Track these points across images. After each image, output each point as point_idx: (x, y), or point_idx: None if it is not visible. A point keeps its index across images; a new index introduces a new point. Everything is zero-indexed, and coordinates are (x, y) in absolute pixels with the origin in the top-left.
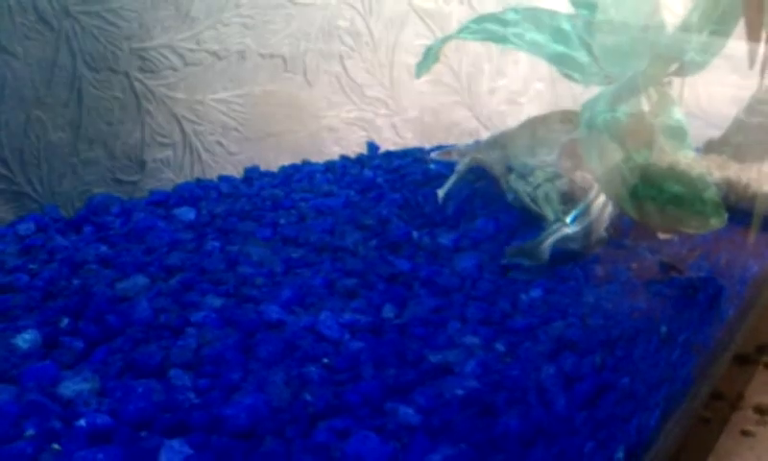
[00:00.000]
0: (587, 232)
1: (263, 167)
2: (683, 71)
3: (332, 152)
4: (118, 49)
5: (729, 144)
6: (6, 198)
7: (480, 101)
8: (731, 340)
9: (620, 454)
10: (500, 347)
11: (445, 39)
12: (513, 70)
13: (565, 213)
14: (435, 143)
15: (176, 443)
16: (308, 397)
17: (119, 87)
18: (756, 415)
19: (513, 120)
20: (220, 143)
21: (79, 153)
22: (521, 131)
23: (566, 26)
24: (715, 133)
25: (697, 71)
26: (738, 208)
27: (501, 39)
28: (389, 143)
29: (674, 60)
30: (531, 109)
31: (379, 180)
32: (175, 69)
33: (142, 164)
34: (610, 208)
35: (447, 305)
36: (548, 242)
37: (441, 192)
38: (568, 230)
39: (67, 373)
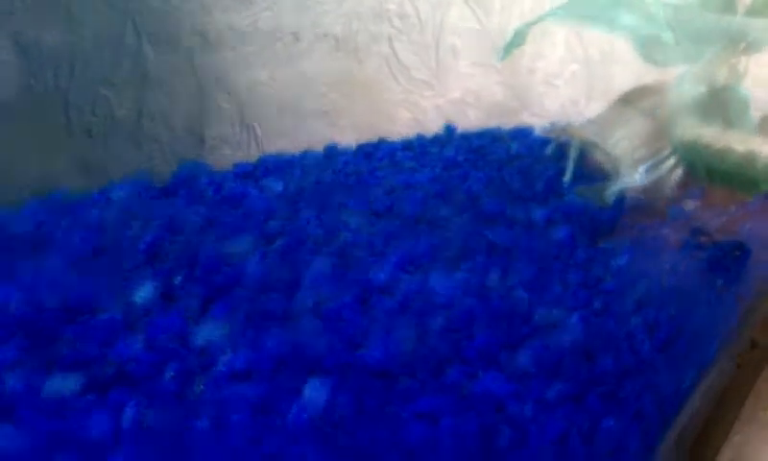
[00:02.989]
0: (653, 187)
1: (319, 145)
2: (747, 51)
3: (381, 132)
4: (180, 28)
5: None
6: (72, 168)
7: (520, 82)
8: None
9: (687, 382)
10: (597, 304)
11: (533, 22)
12: (551, 52)
13: (639, 162)
14: (478, 125)
15: (317, 381)
16: (432, 345)
17: (180, 65)
18: None
19: (550, 101)
20: (275, 121)
21: (142, 128)
22: (615, 107)
23: (656, 10)
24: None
25: (758, 50)
26: None
27: (593, 22)
28: (433, 125)
29: (743, 40)
30: (566, 92)
31: (460, 158)
32: (233, 48)
33: (201, 140)
34: (679, 172)
35: (547, 271)
36: (615, 187)
37: (567, 176)
38: (636, 181)
39: (193, 323)
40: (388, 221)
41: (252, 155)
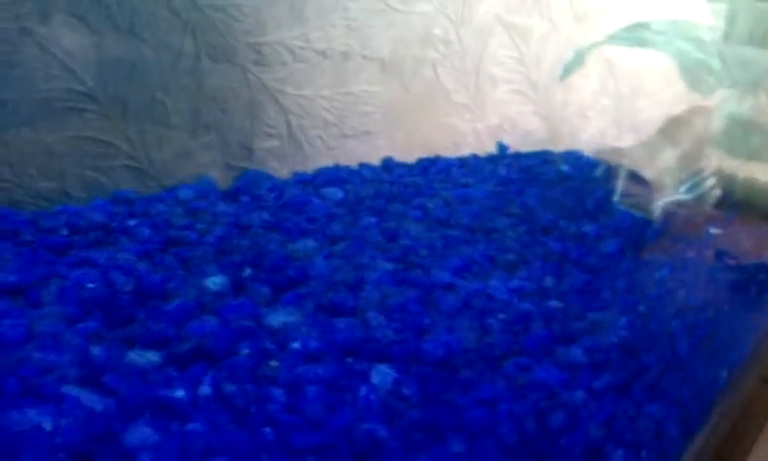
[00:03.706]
0: (696, 202)
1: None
2: None
3: (420, 152)
4: (236, 42)
5: None
6: (129, 174)
7: (554, 112)
8: None
9: (724, 373)
10: (641, 309)
11: (593, 46)
12: (583, 84)
13: (681, 183)
14: (512, 150)
15: (383, 367)
16: (491, 340)
17: (235, 78)
18: None
19: (581, 132)
20: (320, 137)
21: (195, 137)
22: (659, 134)
23: (706, 36)
24: None
25: None
26: None
27: (651, 45)
28: (471, 148)
29: None
30: (598, 124)
31: (514, 176)
32: (285, 64)
33: (250, 152)
34: (717, 192)
35: (597, 280)
36: (660, 201)
37: (617, 194)
38: (680, 196)
39: (265, 309)
40: (446, 230)
41: (297, 168)
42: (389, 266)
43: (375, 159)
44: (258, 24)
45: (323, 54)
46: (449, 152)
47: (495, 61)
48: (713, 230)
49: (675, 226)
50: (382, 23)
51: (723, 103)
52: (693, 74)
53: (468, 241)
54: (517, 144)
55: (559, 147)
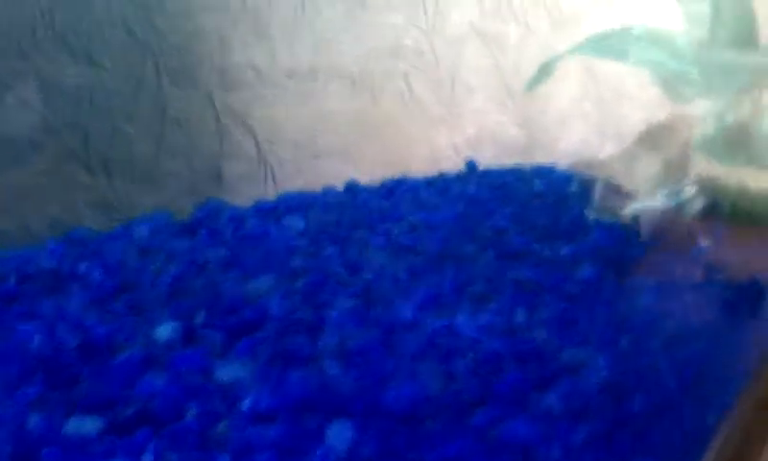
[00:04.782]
0: (676, 211)
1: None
2: None
3: (397, 169)
4: (200, 65)
5: None
6: (91, 205)
7: (534, 120)
8: None
9: (712, 421)
10: (623, 343)
11: (561, 57)
12: (563, 91)
13: (656, 191)
14: (493, 162)
15: (341, 424)
16: (458, 386)
17: (200, 102)
18: None
19: (563, 140)
20: (291, 159)
21: (161, 165)
22: (638, 143)
23: (682, 44)
24: None
25: None
26: None
27: (622, 56)
28: (449, 162)
29: (766, 74)
30: (580, 129)
31: (485, 195)
32: (251, 85)
33: (219, 177)
34: (699, 202)
35: (575, 309)
36: (634, 206)
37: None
38: (656, 204)
39: (217, 361)
40: (412, 258)
41: (269, 192)
42: (350, 303)
43: (350, 178)
44: (222, 45)
45: (290, 73)
46: (427, 165)
47: (471, 71)
48: (702, 244)
49: (660, 240)
50: (350, 37)
51: (704, 111)
52: (669, 84)
53: (434, 270)
54: (497, 155)
55: (540, 156)
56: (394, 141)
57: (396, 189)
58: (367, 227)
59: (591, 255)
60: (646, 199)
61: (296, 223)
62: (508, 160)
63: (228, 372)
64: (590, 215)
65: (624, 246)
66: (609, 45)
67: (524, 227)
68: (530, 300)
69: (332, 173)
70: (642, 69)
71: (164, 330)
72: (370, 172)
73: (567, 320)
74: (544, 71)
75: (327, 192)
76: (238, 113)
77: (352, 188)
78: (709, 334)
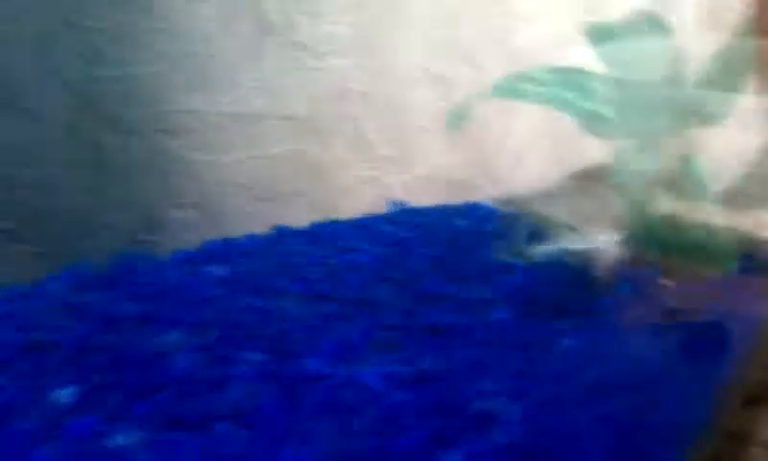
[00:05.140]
0: (586, 254)
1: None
2: (702, 123)
3: (345, 210)
4: (139, 111)
5: (741, 194)
6: (26, 259)
7: (487, 159)
8: (740, 380)
9: None
10: (540, 394)
11: (477, 97)
12: (518, 128)
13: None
14: (445, 201)
15: None
16: (354, 448)
17: (140, 148)
18: (765, 451)
19: (519, 177)
20: (236, 203)
21: (99, 214)
22: (569, 180)
23: (595, 84)
24: (721, 185)
25: (715, 123)
26: (746, 255)
27: (533, 98)
28: (400, 201)
29: (695, 113)
30: (536, 167)
31: (407, 235)
32: (193, 131)
33: (161, 224)
34: (614, 249)
35: (487, 355)
36: (544, 248)
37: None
38: (565, 244)
39: (111, 426)
40: (327, 305)
41: (213, 236)
42: (257, 357)
43: (296, 222)
44: (162, 91)
45: (234, 117)
46: (377, 207)
47: (421, 112)
48: (629, 287)
49: (582, 286)
50: (295, 81)
51: (621, 152)
52: (589, 124)
53: (347, 317)
54: (453, 194)
55: (495, 194)
56: (343, 183)
57: (323, 232)
58: (287, 273)
59: (506, 297)
60: (560, 241)
61: (216, 271)
62: (463, 199)
63: (119, 439)
64: (501, 256)
65: (545, 287)
66: (520, 87)
67: (441, 267)
68: (439, 346)
69: (279, 217)
70: (556, 110)
71: (63, 394)
72: (319, 214)
73: (479, 367)
74: (462, 113)
75: (253, 238)
76: (180, 159)
77: (280, 232)
78: (641, 381)
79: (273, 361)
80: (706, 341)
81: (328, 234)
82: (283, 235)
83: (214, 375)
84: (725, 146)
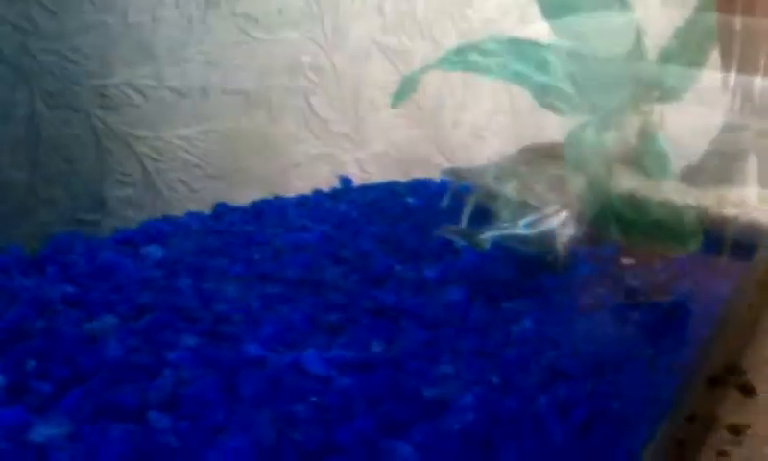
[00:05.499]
0: (541, 240)
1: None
2: (663, 99)
3: (298, 187)
4: (78, 86)
5: (704, 171)
6: None
7: (444, 135)
8: (704, 362)
9: None
10: (495, 378)
11: (424, 70)
12: (475, 104)
13: (521, 217)
14: (400, 177)
15: None
16: (297, 436)
17: (79, 125)
18: (730, 435)
19: (477, 154)
20: (182, 181)
21: (37, 192)
22: (522, 153)
23: (550, 57)
24: (683, 162)
25: (676, 99)
26: (709, 234)
27: (484, 70)
28: (355, 178)
29: (655, 88)
30: (494, 143)
31: (355, 214)
32: (136, 106)
33: (103, 203)
34: (571, 230)
35: (438, 339)
36: (493, 233)
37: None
38: (519, 231)
39: (37, 417)
40: (269, 286)
41: (158, 216)
42: (193, 341)
43: (246, 201)
44: (102, 65)
45: (178, 92)
46: (331, 185)
47: (375, 86)
48: (587, 267)
49: (538, 267)
50: (243, 54)
51: (579, 128)
52: (545, 98)
53: (290, 299)
54: (408, 171)
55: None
56: (295, 159)
57: (266, 210)
58: (228, 253)
59: (459, 277)
60: (508, 224)
61: (154, 252)
62: (418, 176)
63: (43, 431)
64: (445, 235)
65: (497, 267)
66: (469, 59)
67: (390, 247)
68: (388, 329)
69: (228, 194)
70: (509, 83)
71: None
72: (266, 191)
73: (430, 351)
74: (408, 85)
75: (192, 217)
76: (122, 135)
77: (220, 211)
78: (601, 364)
79: (211, 346)
80: (668, 322)
81: (273, 213)
82: (225, 214)
83: (148, 361)
84: (686, 122)
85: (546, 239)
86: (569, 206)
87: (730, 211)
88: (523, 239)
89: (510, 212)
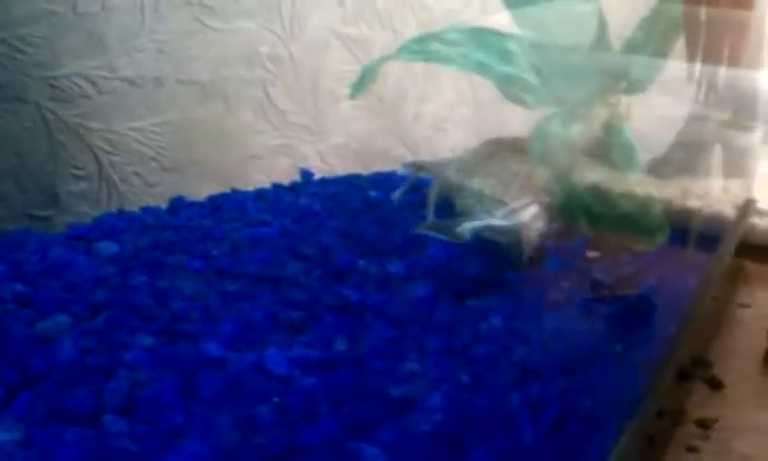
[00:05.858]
0: (515, 230)
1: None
2: (629, 90)
3: (257, 180)
4: (27, 77)
5: (670, 164)
6: None
7: (405, 127)
8: (670, 356)
9: None
10: (464, 377)
11: (383, 60)
12: (437, 95)
13: (497, 207)
14: (362, 170)
15: None
16: (260, 440)
17: (29, 118)
18: (699, 429)
19: (439, 145)
20: (138, 174)
21: None
22: (486, 146)
23: (513, 47)
24: (649, 154)
25: (642, 90)
26: (674, 226)
27: (445, 59)
28: (315, 170)
29: (621, 79)
30: (457, 135)
31: (316, 207)
32: (88, 97)
33: (55, 198)
34: (541, 223)
35: (404, 336)
36: (471, 224)
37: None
38: (493, 221)
39: None
40: (227, 283)
41: (113, 211)
42: (150, 341)
43: (203, 194)
44: (52, 56)
45: (131, 82)
46: (291, 177)
47: (335, 77)
48: (556, 262)
49: (506, 262)
50: (198, 44)
51: (545, 120)
52: (508, 89)
53: (250, 296)
54: (368, 163)
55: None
56: (254, 151)
57: (224, 205)
58: (185, 249)
59: (425, 273)
60: (482, 215)
61: (108, 248)
62: (380, 168)
63: None
64: (422, 231)
65: (464, 262)
66: (427, 49)
67: (353, 242)
68: (352, 326)
69: (185, 188)
70: (471, 73)
71: None
72: (225, 184)
73: (396, 349)
74: (368, 76)
75: (147, 211)
76: (74, 128)
77: (176, 205)
78: (570, 361)
79: (168, 345)
80: (636, 316)
81: (231, 207)
82: (182, 208)
83: (103, 361)
84: (651, 113)
85: (517, 231)
86: (537, 200)
87: (693, 203)
88: (500, 230)
89: (477, 205)
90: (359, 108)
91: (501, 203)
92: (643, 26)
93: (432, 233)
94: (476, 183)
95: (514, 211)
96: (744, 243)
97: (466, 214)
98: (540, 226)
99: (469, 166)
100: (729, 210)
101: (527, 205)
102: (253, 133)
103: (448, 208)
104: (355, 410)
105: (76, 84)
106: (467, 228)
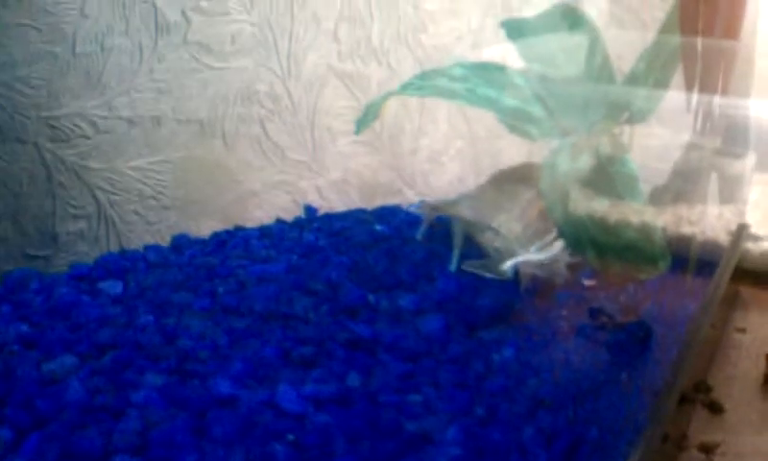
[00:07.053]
0: (551, 262)
1: (188, 235)
2: (631, 120)
3: (257, 217)
4: (26, 118)
5: (670, 192)
6: None
7: (403, 161)
8: (673, 381)
9: None
10: (479, 409)
11: (387, 96)
12: (433, 129)
13: (529, 244)
14: (361, 205)
15: None
16: None
17: (27, 158)
18: (701, 454)
19: (436, 179)
20: (137, 212)
21: None
22: (493, 183)
23: (519, 80)
24: (649, 185)
25: (643, 120)
26: (674, 253)
27: (451, 95)
28: (314, 206)
29: (624, 109)
30: (453, 168)
31: (322, 243)
32: (87, 137)
33: (54, 238)
34: (567, 256)
35: (417, 371)
36: (512, 261)
37: (454, 260)
38: (533, 256)
39: None
40: (235, 320)
41: (113, 250)
42: (159, 380)
43: (204, 231)
44: (51, 96)
45: (130, 121)
46: (290, 213)
47: (332, 114)
48: (566, 294)
49: (516, 295)
50: (196, 83)
51: (554, 152)
52: (514, 122)
53: (259, 333)
54: (368, 198)
55: (412, 197)
56: (252, 188)
57: (228, 242)
58: (190, 287)
59: (436, 307)
60: (521, 253)
61: (112, 288)
62: (379, 202)
63: None
64: (468, 269)
65: (475, 295)
66: (435, 84)
67: (360, 276)
68: (364, 361)
69: (185, 225)
70: (478, 107)
71: None
72: (224, 221)
73: (409, 383)
74: (372, 111)
75: (150, 250)
76: (73, 168)
77: (179, 243)
78: (578, 391)
79: (178, 384)
80: (639, 344)
81: (235, 244)
82: (185, 246)
83: (112, 402)
84: (651, 143)
85: (552, 265)
86: (553, 232)
87: (691, 230)
88: (538, 264)
89: (496, 240)
90: (357, 143)
91: (520, 237)
92: (645, 57)
93: (479, 272)
94: (492, 219)
95: (545, 245)
96: (738, 267)
97: (488, 250)
98: (566, 258)
99: (482, 203)
100: (723, 236)
101: (556, 239)
102: (252, 171)
103: (467, 244)
104: (372, 446)
105: (75, 124)
106: (508, 265)
